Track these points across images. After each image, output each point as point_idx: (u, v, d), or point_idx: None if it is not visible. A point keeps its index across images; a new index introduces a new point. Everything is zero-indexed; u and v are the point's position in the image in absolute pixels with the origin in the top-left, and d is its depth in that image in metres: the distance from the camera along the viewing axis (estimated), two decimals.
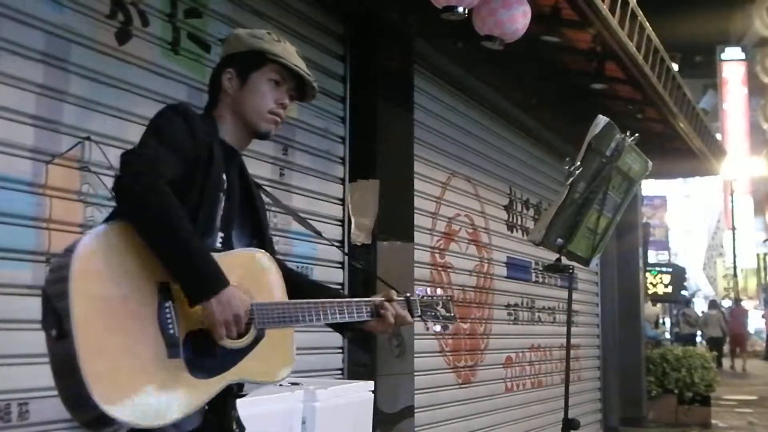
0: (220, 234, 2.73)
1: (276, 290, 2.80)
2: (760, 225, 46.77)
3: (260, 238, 2.89)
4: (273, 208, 5.55)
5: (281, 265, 2.90)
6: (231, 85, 2.84)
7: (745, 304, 43.18)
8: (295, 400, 4.26)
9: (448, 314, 3.33)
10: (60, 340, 2.33)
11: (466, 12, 5.59)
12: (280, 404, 4.15)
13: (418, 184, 7.08)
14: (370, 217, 6.19)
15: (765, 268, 47.68)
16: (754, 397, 17.84)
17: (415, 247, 6.97)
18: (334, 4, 6.19)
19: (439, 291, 3.34)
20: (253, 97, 2.83)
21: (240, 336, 2.59)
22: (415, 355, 6.78)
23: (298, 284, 2.94)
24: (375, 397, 5.00)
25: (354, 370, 6.08)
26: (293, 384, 4.58)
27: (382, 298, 2.99)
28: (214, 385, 2.54)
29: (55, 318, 2.34)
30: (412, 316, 3.10)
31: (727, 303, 39.68)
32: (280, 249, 5.56)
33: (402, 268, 6.62)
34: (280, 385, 4.55)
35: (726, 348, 27.99)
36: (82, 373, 2.27)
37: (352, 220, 6.19)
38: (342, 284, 6.17)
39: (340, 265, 6.16)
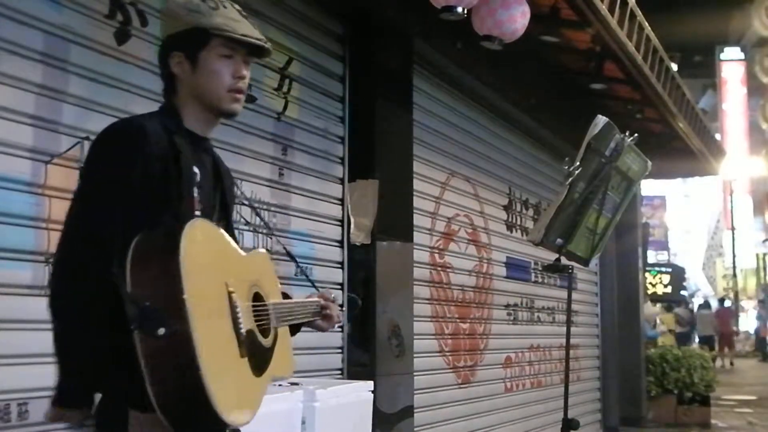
0: None
1: (277, 287, 2.84)
2: (760, 225, 46.77)
3: (228, 228, 2.82)
4: (272, 208, 5.55)
5: None
6: (182, 70, 2.67)
7: (745, 303, 43.27)
8: (295, 400, 4.25)
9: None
10: (171, 338, 2.23)
11: (465, 12, 5.59)
12: (279, 404, 4.15)
13: (417, 184, 7.08)
14: (369, 217, 6.19)
15: (764, 268, 47.67)
16: (754, 397, 17.84)
17: (415, 247, 6.97)
18: (333, 4, 6.19)
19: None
20: (208, 79, 2.66)
21: (268, 333, 2.64)
22: (415, 355, 6.78)
23: None
24: (374, 397, 5.00)
25: (353, 370, 6.08)
26: (293, 384, 4.58)
27: (321, 299, 3.03)
28: (264, 381, 2.58)
29: (161, 314, 2.24)
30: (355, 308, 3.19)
31: (725, 303, 39.67)
32: (280, 249, 5.56)
33: (401, 268, 6.62)
34: (279, 385, 4.55)
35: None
36: (203, 378, 2.21)
37: (352, 220, 6.19)
38: (341, 284, 6.17)
39: (339, 265, 6.16)
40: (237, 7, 2.77)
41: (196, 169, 2.66)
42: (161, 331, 2.22)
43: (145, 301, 2.25)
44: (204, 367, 2.21)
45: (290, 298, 2.97)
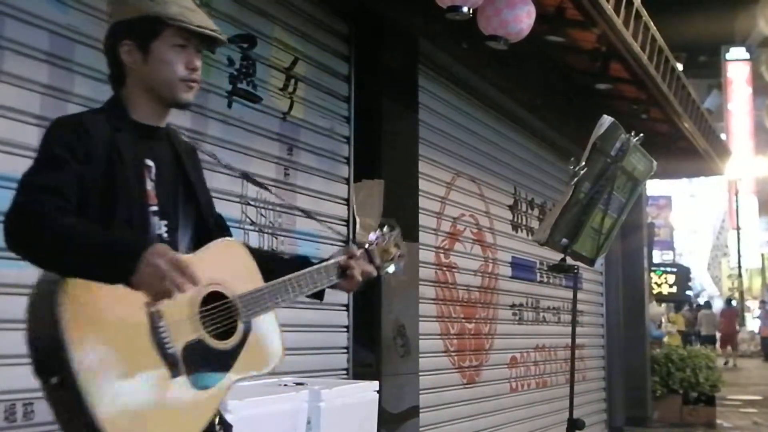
0: (163, 222, 2.57)
1: (253, 276, 2.67)
2: (765, 225, 46.74)
3: (199, 217, 2.71)
4: (277, 208, 5.55)
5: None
6: (133, 59, 2.57)
7: (750, 303, 43.23)
8: (300, 401, 4.25)
9: (400, 251, 3.17)
10: (60, 386, 2.22)
11: (471, 12, 5.59)
12: (284, 404, 4.15)
13: (422, 184, 7.08)
14: (374, 216, 6.19)
15: None
16: (759, 397, 17.81)
17: (420, 247, 6.97)
18: (338, 4, 6.19)
19: (385, 228, 3.12)
20: (160, 69, 2.56)
21: (228, 334, 2.52)
22: (420, 355, 6.78)
23: (265, 263, 2.78)
24: (380, 397, 5.00)
25: (359, 371, 6.08)
26: (298, 384, 4.59)
27: (345, 257, 2.89)
28: (220, 391, 2.48)
29: (52, 363, 2.22)
30: (375, 265, 2.99)
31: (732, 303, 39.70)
32: (285, 249, 5.56)
33: (407, 268, 6.61)
34: (285, 385, 4.55)
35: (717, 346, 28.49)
36: (98, 423, 2.18)
37: (357, 220, 6.19)
38: None
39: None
40: None
41: (149, 162, 2.57)
42: (54, 380, 2.23)
43: (38, 348, 2.27)
44: (101, 412, 2.19)
45: (309, 263, 2.85)
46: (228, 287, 2.56)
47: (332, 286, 2.87)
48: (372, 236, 3.04)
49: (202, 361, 2.44)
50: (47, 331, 2.24)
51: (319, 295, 2.90)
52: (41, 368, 2.29)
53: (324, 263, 2.84)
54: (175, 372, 2.36)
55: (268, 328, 2.69)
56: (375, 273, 2.97)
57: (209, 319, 2.48)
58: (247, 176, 3.50)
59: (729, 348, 29.17)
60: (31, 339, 2.33)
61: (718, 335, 29.44)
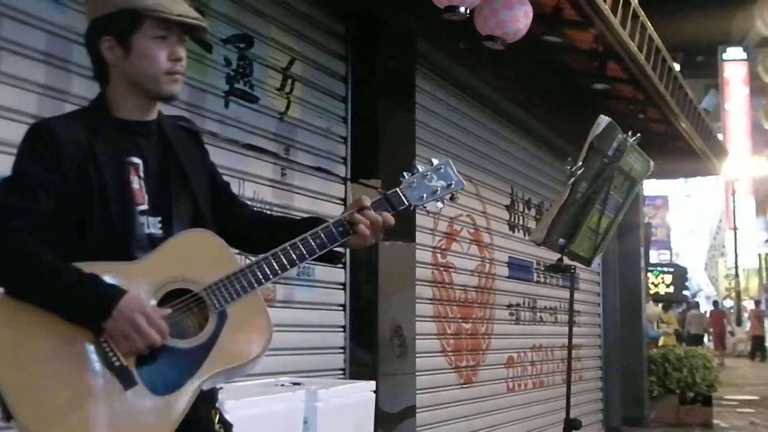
0: (157, 219, 2.52)
1: (224, 263, 2.51)
2: (762, 225, 46.75)
3: (197, 208, 2.64)
4: (275, 208, 5.55)
5: (249, 217, 2.80)
6: (114, 55, 2.51)
7: (747, 303, 43.34)
8: (297, 401, 4.25)
9: (448, 182, 2.95)
10: (9, 421, 2.22)
11: (468, 12, 5.58)
12: (281, 404, 4.15)
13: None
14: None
15: (767, 268, 47.66)
16: (756, 397, 17.83)
17: (417, 246, 6.97)
18: (335, 4, 6.19)
19: (435, 160, 2.99)
20: (143, 63, 2.49)
21: (201, 328, 2.43)
22: (417, 355, 6.78)
23: (273, 231, 2.70)
24: (376, 397, 4.99)
25: (355, 370, 6.08)
26: (295, 384, 4.59)
27: (352, 211, 2.68)
28: (187, 393, 2.38)
29: None
30: (397, 210, 2.79)
31: (727, 303, 39.96)
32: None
33: (403, 268, 6.62)
34: (282, 385, 4.55)
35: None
36: None
37: None
38: (344, 284, 6.16)
39: (341, 266, 6.15)
40: None
41: (136, 159, 2.52)
42: (3, 417, 2.24)
43: None
44: None
45: (321, 222, 2.71)
46: (194, 280, 2.46)
47: (342, 245, 2.68)
48: (406, 174, 2.84)
49: (163, 364, 2.37)
50: None
51: (330, 258, 2.73)
52: None
53: (323, 225, 2.66)
54: (127, 383, 2.32)
55: (252, 314, 2.53)
56: (391, 222, 2.75)
57: (170, 320, 2.39)
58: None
59: (719, 348, 29.60)
60: None
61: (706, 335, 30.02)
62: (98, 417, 2.28)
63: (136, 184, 2.51)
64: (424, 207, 2.90)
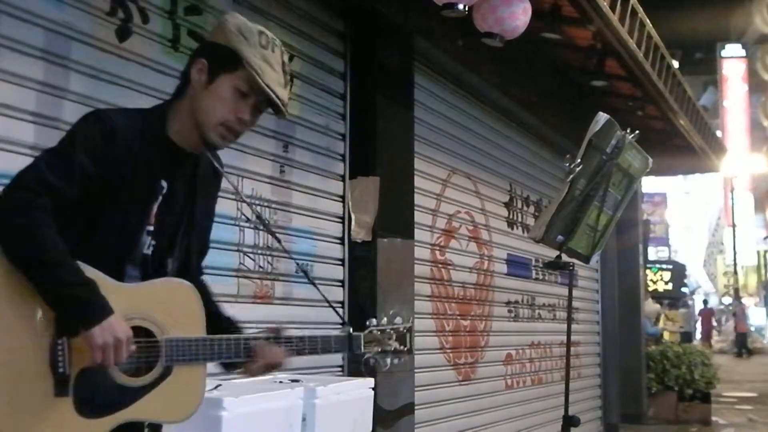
0: (152, 241, 2.60)
1: (193, 324, 2.59)
2: (761, 222, 46.83)
3: (188, 254, 2.73)
4: (273, 205, 5.56)
5: (204, 293, 2.75)
6: (198, 79, 2.60)
7: (746, 301, 43.49)
8: (295, 397, 4.25)
9: (400, 348, 2.97)
10: None
11: (467, 9, 5.58)
12: (280, 401, 4.15)
13: (418, 181, 7.08)
14: (370, 214, 6.19)
15: (765, 265, 47.72)
16: (754, 394, 17.86)
17: (416, 244, 6.97)
18: (334, 1, 6.19)
19: (398, 320, 2.98)
20: (211, 101, 2.57)
21: (144, 372, 2.48)
22: (416, 352, 6.77)
23: (211, 316, 2.73)
24: (375, 394, 5.00)
25: (354, 367, 6.08)
26: (293, 381, 4.59)
27: (261, 337, 2.72)
28: (104, 424, 2.42)
29: None
30: (350, 352, 2.87)
31: (726, 300, 40.16)
32: (281, 246, 5.56)
33: (402, 265, 6.62)
34: (280, 382, 4.56)
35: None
36: None
37: (353, 217, 6.19)
38: (342, 281, 6.17)
39: (340, 262, 6.16)
40: (287, 64, 2.67)
41: (164, 183, 2.59)
42: None
43: None
44: None
45: (234, 328, 2.78)
46: (160, 327, 2.51)
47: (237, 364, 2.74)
48: (373, 321, 2.93)
49: (99, 389, 2.41)
50: None
51: (230, 366, 2.78)
52: None
53: (242, 336, 2.72)
54: (60, 391, 2.35)
55: (191, 382, 2.60)
56: (279, 363, 2.76)
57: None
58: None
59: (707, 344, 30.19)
60: None
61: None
62: (18, 412, 2.32)
63: (154, 205, 2.58)
64: (369, 361, 2.95)
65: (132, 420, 2.48)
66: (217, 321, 2.77)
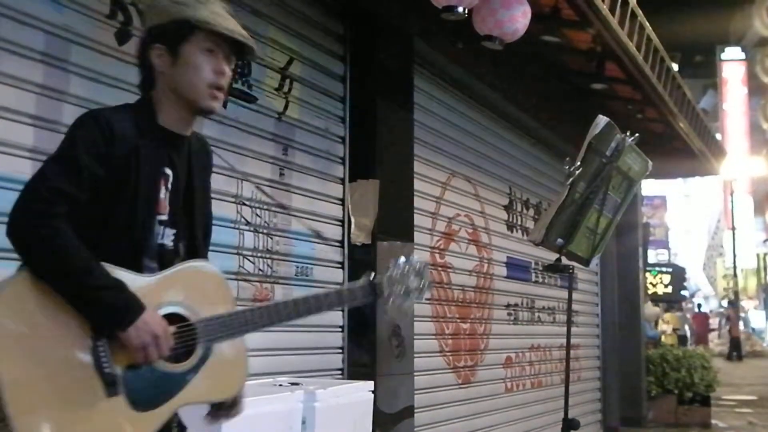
0: (172, 231, 2.63)
1: (223, 302, 2.66)
2: (760, 225, 46.85)
3: (193, 231, 2.73)
4: (273, 208, 5.55)
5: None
6: (162, 63, 2.61)
7: (745, 303, 43.56)
8: (295, 401, 4.25)
9: (421, 284, 3.02)
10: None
11: (466, 12, 5.59)
12: (280, 404, 4.15)
13: (418, 184, 7.08)
14: (370, 217, 6.19)
15: (765, 268, 47.73)
16: (754, 397, 17.85)
17: (415, 247, 6.97)
18: (334, 4, 6.19)
19: (415, 258, 3.01)
20: (187, 73, 2.59)
21: (186, 357, 2.52)
22: (415, 356, 6.78)
23: None
24: (375, 397, 5.00)
25: (354, 371, 6.08)
26: (293, 384, 4.59)
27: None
28: (162, 414, 2.47)
29: None
30: (372, 300, 2.93)
31: (726, 303, 40.30)
32: (280, 249, 5.57)
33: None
34: (280, 385, 4.55)
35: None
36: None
37: (352, 220, 6.19)
38: (342, 283, 6.16)
39: (339, 265, 6.16)
40: (224, 4, 2.71)
41: (168, 171, 2.62)
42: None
43: None
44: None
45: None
46: (192, 311, 2.55)
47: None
48: (391, 266, 2.97)
49: (147, 381, 2.44)
50: None
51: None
52: None
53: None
54: (111, 391, 2.38)
55: (233, 356, 2.66)
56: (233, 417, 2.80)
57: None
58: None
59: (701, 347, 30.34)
60: None
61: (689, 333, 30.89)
62: (76, 417, 2.33)
63: (163, 194, 2.60)
64: (393, 303, 3.00)
65: (186, 404, 2.53)
66: None
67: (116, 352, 2.40)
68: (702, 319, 34.70)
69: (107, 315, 2.38)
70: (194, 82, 2.60)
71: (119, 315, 2.38)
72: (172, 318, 2.51)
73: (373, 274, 2.93)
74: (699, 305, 38.59)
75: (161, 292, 2.52)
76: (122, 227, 2.51)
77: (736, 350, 33.23)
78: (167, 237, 2.61)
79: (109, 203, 2.49)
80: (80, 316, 2.37)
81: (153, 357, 2.41)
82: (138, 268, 2.52)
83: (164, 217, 2.60)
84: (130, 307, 2.40)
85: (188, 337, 2.53)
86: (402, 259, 2.98)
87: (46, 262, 2.36)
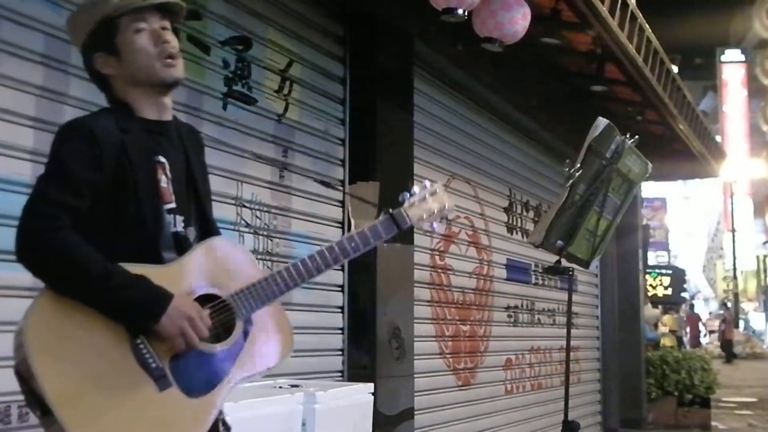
0: (181, 218, 2.61)
1: (248, 271, 2.65)
2: (760, 227, 46.81)
3: (203, 211, 2.74)
4: (273, 210, 5.55)
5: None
6: (109, 66, 2.62)
7: (745, 306, 43.59)
8: (295, 403, 4.25)
9: (442, 205, 2.99)
10: (46, 417, 2.29)
11: (466, 14, 5.59)
12: (279, 406, 4.15)
13: (418, 186, 7.06)
14: (370, 219, 6.18)
15: (765, 270, 47.71)
16: (754, 399, 17.84)
17: (415, 249, 6.97)
18: (333, 6, 6.19)
19: (429, 183, 2.98)
20: (134, 60, 2.58)
21: (228, 334, 2.53)
22: (415, 357, 6.78)
23: None
24: (375, 399, 4.99)
25: (354, 373, 6.08)
26: (293, 386, 4.58)
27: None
28: (218, 395, 2.48)
29: (34, 396, 2.30)
30: (402, 229, 2.86)
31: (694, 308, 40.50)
32: (281, 251, 5.57)
33: (402, 270, 6.62)
34: (279, 387, 4.55)
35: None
36: None
37: (352, 222, 6.19)
38: (342, 286, 6.16)
39: (340, 267, 6.15)
40: None
41: (162, 158, 2.61)
42: (38, 413, 2.32)
43: (20, 379, 2.36)
44: None
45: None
46: (222, 287, 2.56)
47: None
48: (406, 195, 2.91)
49: (195, 367, 2.45)
50: (22, 364, 2.32)
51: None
52: (28, 401, 2.37)
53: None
54: (163, 385, 2.39)
55: (274, 322, 2.67)
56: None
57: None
58: None
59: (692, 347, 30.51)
60: (16, 371, 2.39)
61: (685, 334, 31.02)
62: (134, 418, 2.34)
63: (164, 183, 2.59)
64: (425, 227, 2.95)
65: (243, 379, 2.53)
66: None
67: (157, 346, 2.41)
68: (694, 320, 34.75)
69: (136, 312, 2.39)
70: (143, 64, 2.59)
71: (148, 308, 2.39)
72: (204, 299, 2.52)
73: (390, 209, 2.87)
74: (692, 306, 38.63)
75: (186, 277, 2.52)
76: (133, 224, 2.51)
77: (727, 351, 33.25)
78: (178, 224, 2.61)
79: (115, 204, 2.49)
80: (113, 321, 2.38)
81: (193, 341, 2.41)
82: (158, 260, 2.52)
83: (172, 205, 2.60)
84: (157, 297, 2.40)
85: (224, 313, 2.53)
86: (415, 188, 2.94)
87: (63, 276, 2.37)
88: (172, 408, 2.39)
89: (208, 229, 2.73)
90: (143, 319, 2.39)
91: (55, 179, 2.45)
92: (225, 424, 2.71)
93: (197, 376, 2.45)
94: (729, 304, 41.45)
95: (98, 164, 2.47)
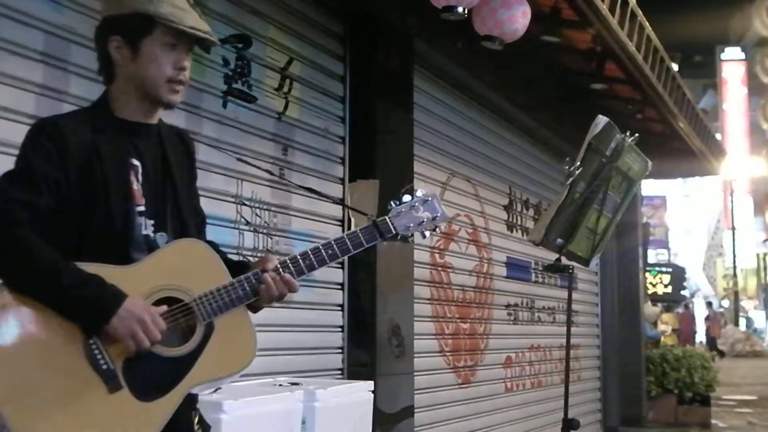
0: (150, 221, 2.56)
1: (215, 276, 2.56)
2: (760, 225, 46.83)
3: (181, 215, 2.66)
4: (273, 208, 5.55)
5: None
6: (121, 56, 2.57)
7: (745, 304, 43.62)
8: (295, 401, 4.25)
9: (434, 215, 2.87)
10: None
11: (466, 12, 5.58)
12: (279, 404, 4.15)
13: (417, 184, 7.07)
14: (369, 217, 6.18)
15: (765, 268, 47.72)
16: (754, 397, 17.84)
17: (415, 247, 6.97)
18: (333, 4, 6.19)
19: (420, 192, 2.87)
20: (148, 67, 2.55)
21: (190, 337, 2.48)
22: (415, 355, 6.78)
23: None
24: (375, 397, 4.99)
25: (354, 370, 6.08)
26: (293, 384, 4.59)
27: (258, 270, 2.63)
28: (172, 400, 2.43)
29: None
30: (384, 238, 2.77)
31: (726, 303, 40.34)
32: (281, 249, 5.56)
33: (402, 267, 6.62)
34: (280, 385, 4.55)
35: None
36: None
37: (352, 220, 6.19)
38: (342, 284, 6.16)
39: (339, 266, 6.16)
40: None
41: (135, 161, 2.57)
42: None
43: None
44: None
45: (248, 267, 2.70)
46: (185, 290, 2.51)
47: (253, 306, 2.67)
48: (394, 204, 2.83)
49: (148, 370, 2.42)
50: None
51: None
52: None
53: (236, 279, 2.61)
54: (113, 387, 2.37)
55: (238, 328, 2.58)
56: (295, 288, 2.72)
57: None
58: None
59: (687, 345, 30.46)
60: None
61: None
62: (82, 419, 2.33)
63: (136, 185, 2.55)
64: (410, 236, 2.87)
65: (197, 385, 2.49)
66: (237, 269, 2.70)
67: (111, 347, 2.38)
68: (688, 318, 34.74)
69: (86, 311, 2.36)
70: (154, 76, 2.56)
71: (98, 308, 2.36)
72: (167, 302, 2.47)
73: (374, 217, 2.81)
74: (686, 305, 38.65)
75: (148, 279, 2.47)
76: (102, 224, 2.47)
77: (712, 348, 33.36)
78: (149, 228, 2.57)
79: (85, 203, 2.46)
80: (65, 319, 2.36)
81: (143, 343, 2.37)
82: (128, 261, 2.49)
83: (142, 208, 2.55)
84: (109, 298, 2.37)
85: (187, 317, 2.49)
86: (406, 196, 2.86)
87: (15, 271, 2.36)
88: (121, 410, 2.36)
89: (185, 229, 2.66)
90: (93, 319, 2.36)
91: (16, 176, 2.45)
92: (203, 423, 2.68)
93: (150, 379, 2.41)
94: (713, 302, 41.65)
95: (61, 161, 2.44)
